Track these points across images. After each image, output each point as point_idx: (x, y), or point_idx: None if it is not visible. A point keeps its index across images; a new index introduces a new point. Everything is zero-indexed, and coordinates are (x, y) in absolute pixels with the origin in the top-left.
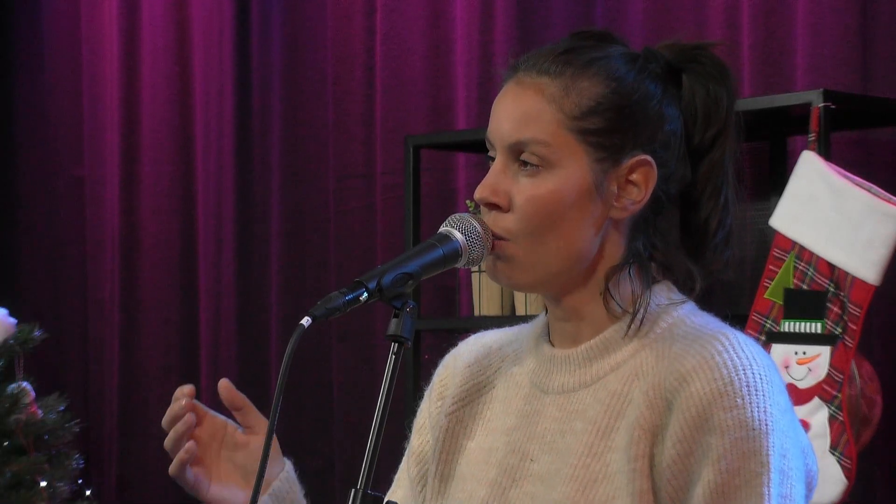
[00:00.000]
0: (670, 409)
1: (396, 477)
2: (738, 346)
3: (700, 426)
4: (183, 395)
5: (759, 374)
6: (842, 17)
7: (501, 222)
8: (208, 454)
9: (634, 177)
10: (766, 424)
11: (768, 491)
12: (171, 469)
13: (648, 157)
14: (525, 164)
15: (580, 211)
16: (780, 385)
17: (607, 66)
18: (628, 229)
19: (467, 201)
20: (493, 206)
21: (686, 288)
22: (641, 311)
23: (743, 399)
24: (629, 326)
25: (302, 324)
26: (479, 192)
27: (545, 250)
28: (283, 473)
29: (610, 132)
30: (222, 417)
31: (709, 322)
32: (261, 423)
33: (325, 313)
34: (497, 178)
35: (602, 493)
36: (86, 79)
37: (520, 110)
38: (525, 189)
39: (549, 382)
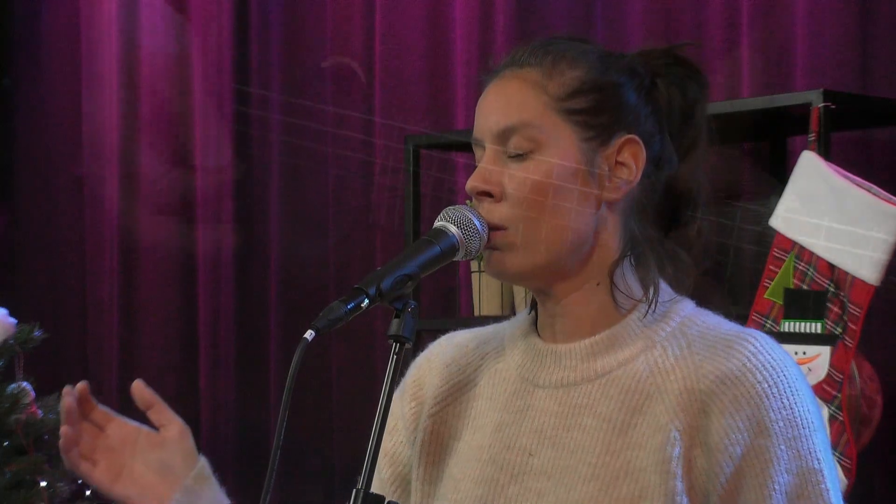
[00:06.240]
0: (706, 412)
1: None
2: (771, 347)
3: (750, 429)
4: (67, 393)
5: (797, 374)
6: (842, 17)
7: (496, 212)
8: (116, 457)
9: (624, 156)
10: (812, 422)
11: (826, 486)
12: (65, 463)
13: (636, 137)
14: (515, 153)
15: (573, 192)
16: (808, 382)
17: (585, 54)
18: (623, 216)
19: (467, 201)
20: (486, 196)
21: (678, 284)
22: (654, 298)
23: (789, 399)
24: (647, 312)
25: (305, 337)
26: (472, 182)
27: (541, 235)
28: (195, 472)
29: (595, 112)
30: (134, 424)
31: (721, 322)
32: (172, 421)
33: (328, 325)
34: (488, 168)
35: (626, 492)
36: (85, 79)
37: (504, 99)
38: (516, 174)
39: (545, 376)
